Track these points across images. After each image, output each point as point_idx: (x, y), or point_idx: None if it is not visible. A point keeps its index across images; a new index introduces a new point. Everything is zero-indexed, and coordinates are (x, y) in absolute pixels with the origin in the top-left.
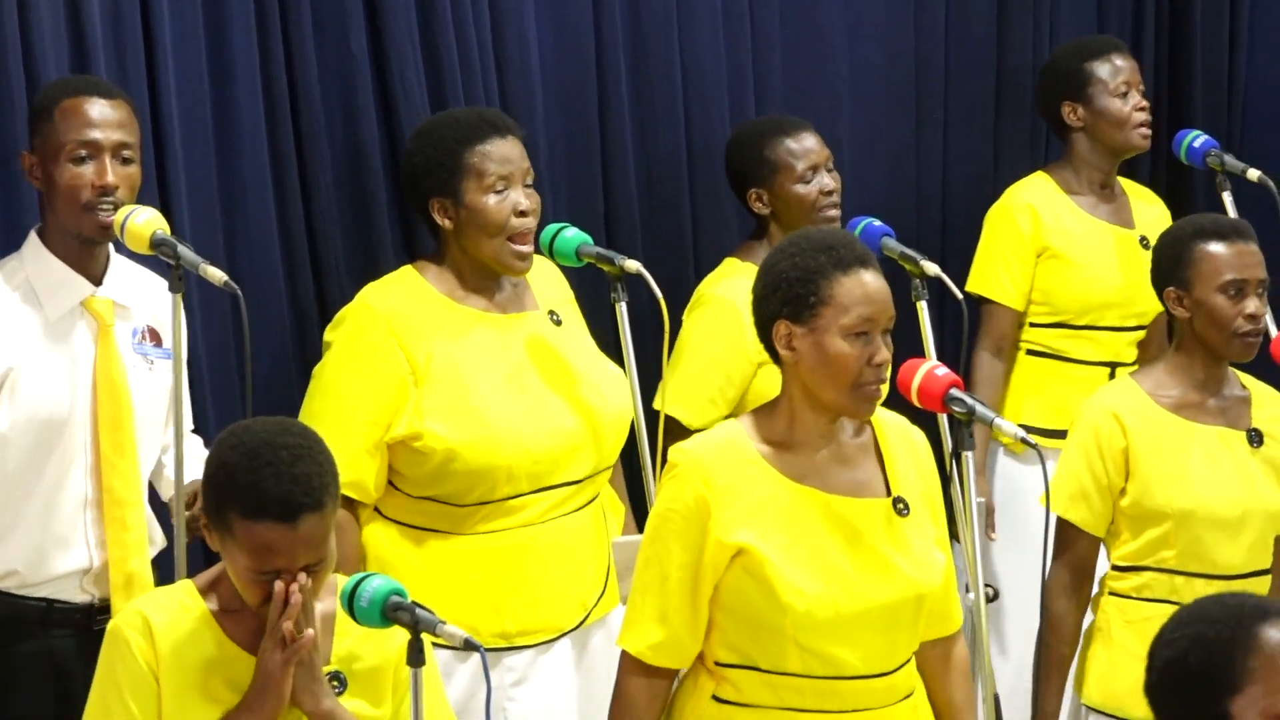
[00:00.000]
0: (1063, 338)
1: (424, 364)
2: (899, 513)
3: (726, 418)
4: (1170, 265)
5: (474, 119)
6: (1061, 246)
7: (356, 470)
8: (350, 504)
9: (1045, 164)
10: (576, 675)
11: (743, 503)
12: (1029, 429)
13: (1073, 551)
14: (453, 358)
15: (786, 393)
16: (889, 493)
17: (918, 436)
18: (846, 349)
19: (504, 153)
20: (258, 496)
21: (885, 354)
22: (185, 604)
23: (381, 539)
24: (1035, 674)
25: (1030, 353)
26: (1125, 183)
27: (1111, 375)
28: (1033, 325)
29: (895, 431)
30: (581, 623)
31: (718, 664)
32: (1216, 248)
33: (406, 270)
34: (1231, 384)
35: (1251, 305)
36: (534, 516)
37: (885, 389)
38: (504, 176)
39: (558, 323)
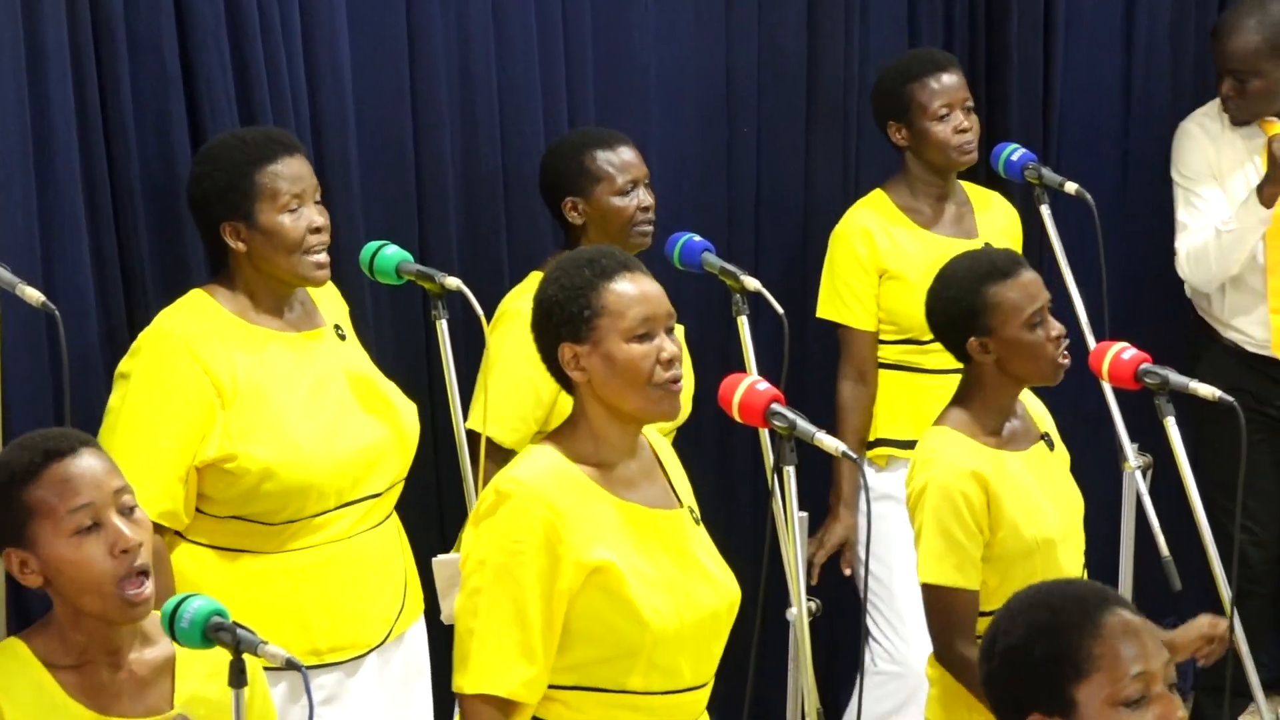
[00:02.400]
0: (912, 352)
1: (229, 384)
2: (695, 522)
3: (538, 434)
4: (963, 316)
5: (260, 139)
6: (900, 268)
7: (171, 500)
8: (163, 534)
9: (857, 179)
10: (381, 693)
11: (586, 523)
12: (884, 442)
13: (964, 617)
14: (255, 377)
15: (585, 414)
16: (680, 503)
17: (668, 445)
18: (633, 351)
19: (295, 171)
20: (34, 453)
21: (673, 349)
22: (16, 665)
23: (187, 560)
24: None
25: (880, 366)
26: (969, 188)
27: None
28: (881, 342)
29: (662, 443)
30: (385, 639)
31: (551, 686)
32: (1006, 286)
33: (196, 294)
34: None
35: (1054, 329)
36: (339, 533)
37: (690, 387)
38: (297, 195)
39: (342, 337)
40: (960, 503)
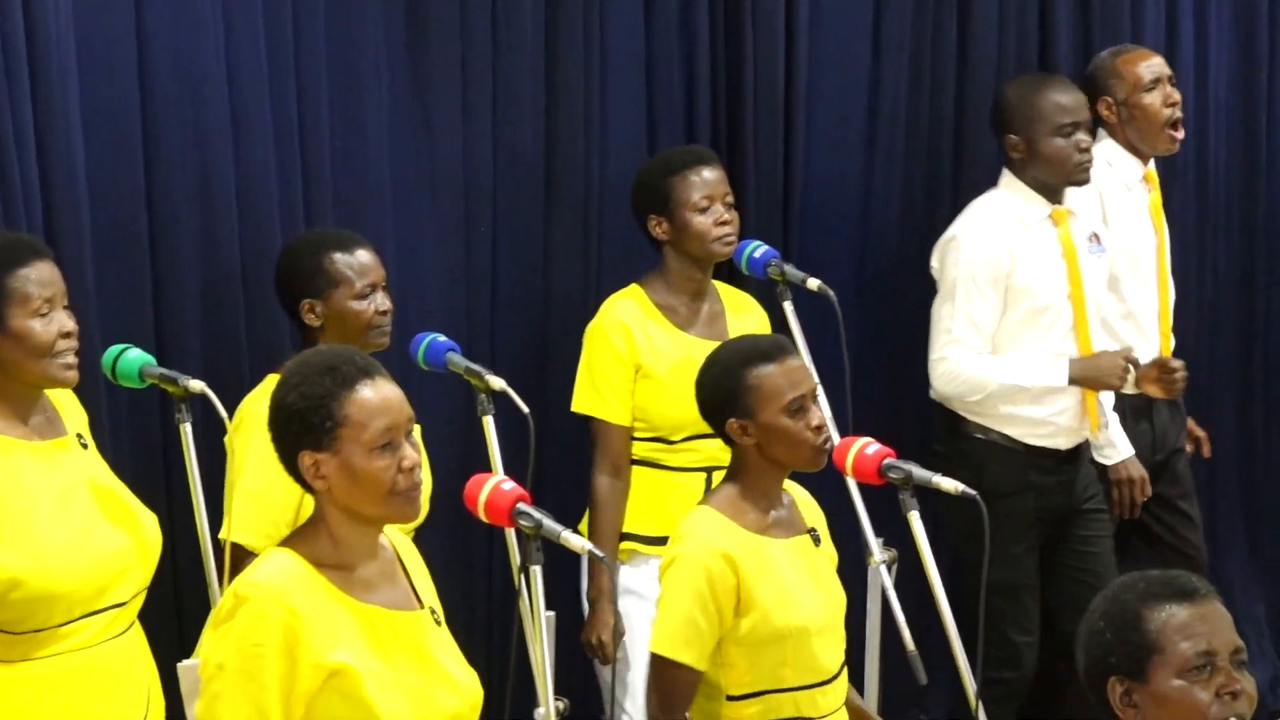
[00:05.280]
0: (660, 449)
1: None
2: (436, 623)
3: None
4: (725, 398)
5: (13, 243)
6: (654, 366)
7: None
8: None
9: (599, 276)
10: None
11: (325, 625)
12: (629, 537)
13: (682, 691)
14: (5, 487)
15: (324, 517)
16: (421, 604)
17: (411, 544)
18: (375, 464)
19: (46, 276)
20: None
21: (413, 456)
22: None
23: None
24: None
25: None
26: (724, 290)
27: (708, 480)
28: (632, 438)
29: (404, 542)
30: None
31: None
32: (768, 371)
33: None
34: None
35: (815, 418)
36: (84, 641)
37: (428, 486)
38: (48, 299)
39: (84, 446)
40: (704, 583)
